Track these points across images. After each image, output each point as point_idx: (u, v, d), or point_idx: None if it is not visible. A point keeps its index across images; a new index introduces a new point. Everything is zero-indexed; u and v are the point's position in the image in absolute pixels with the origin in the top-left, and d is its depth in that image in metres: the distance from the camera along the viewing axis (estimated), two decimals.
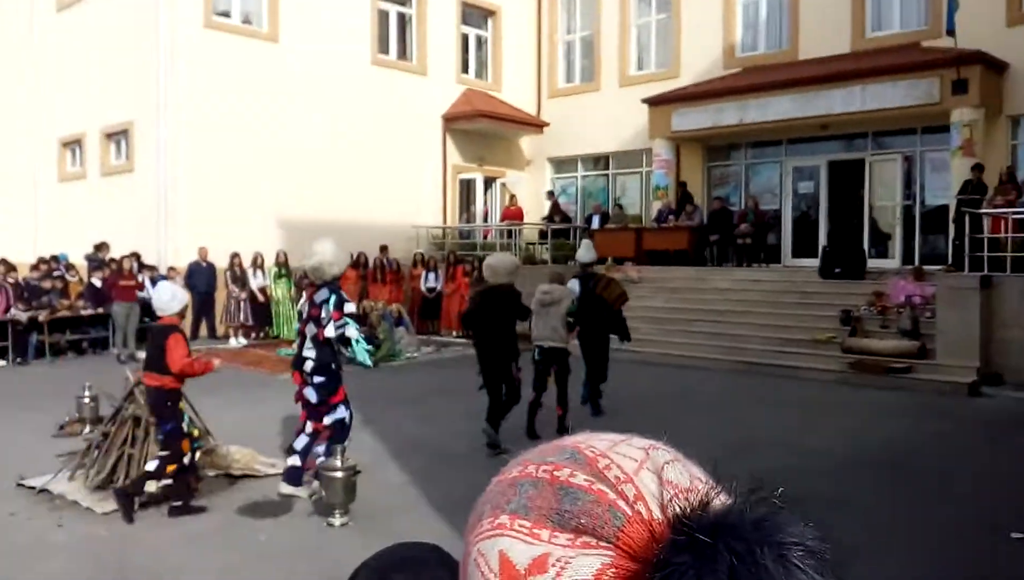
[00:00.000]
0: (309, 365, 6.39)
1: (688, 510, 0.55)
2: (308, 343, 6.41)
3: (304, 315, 6.52)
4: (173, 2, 16.23)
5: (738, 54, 19.19)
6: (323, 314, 6.35)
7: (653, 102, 18.68)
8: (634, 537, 0.55)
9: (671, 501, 0.56)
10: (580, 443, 0.63)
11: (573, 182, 22.60)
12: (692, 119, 18.03)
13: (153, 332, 6.37)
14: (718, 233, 17.39)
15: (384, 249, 17.96)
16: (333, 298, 6.41)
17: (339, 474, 5.67)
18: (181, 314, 6.29)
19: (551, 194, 21.45)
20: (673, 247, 17.56)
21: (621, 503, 0.56)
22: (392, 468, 7.23)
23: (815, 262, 15.86)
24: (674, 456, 0.62)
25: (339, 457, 5.72)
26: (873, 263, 15.62)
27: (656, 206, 18.92)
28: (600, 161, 22.15)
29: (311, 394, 6.40)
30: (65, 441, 7.86)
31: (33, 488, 6.42)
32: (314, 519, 5.87)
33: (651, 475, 0.59)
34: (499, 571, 0.56)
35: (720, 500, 0.56)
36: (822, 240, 17.08)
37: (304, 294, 6.91)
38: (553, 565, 0.55)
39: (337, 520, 5.71)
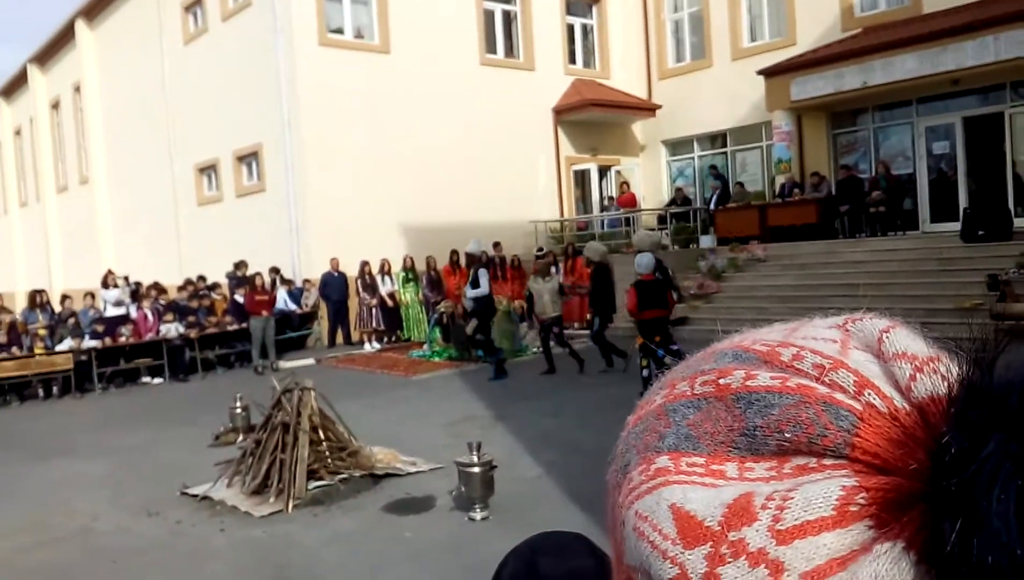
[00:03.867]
0: None
1: (967, 379, 0.37)
2: None
3: None
4: (289, 24, 16.95)
5: (857, 14, 18.31)
6: None
7: (769, 73, 18.07)
8: (877, 440, 0.37)
9: (916, 378, 0.39)
10: (740, 342, 0.46)
11: (690, 163, 22.17)
12: (812, 86, 17.32)
13: None
14: (848, 203, 16.66)
15: (497, 246, 18.15)
16: None
17: (477, 469, 5.80)
18: None
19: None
20: (800, 221, 16.93)
21: (840, 396, 0.39)
22: (526, 462, 7.33)
23: (956, 226, 14.94)
24: (889, 322, 0.44)
25: (476, 453, 5.84)
26: (1020, 222, 14.58)
27: (779, 180, 18.32)
28: (717, 139, 21.62)
29: None
30: (221, 450, 8.38)
31: (195, 496, 6.87)
32: (455, 514, 6.03)
33: (865, 354, 0.42)
34: (678, 533, 0.38)
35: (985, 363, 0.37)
36: (962, 202, 16.08)
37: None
38: (764, 507, 0.37)
39: (478, 514, 5.84)
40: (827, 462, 0.38)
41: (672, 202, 19.88)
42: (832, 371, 0.40)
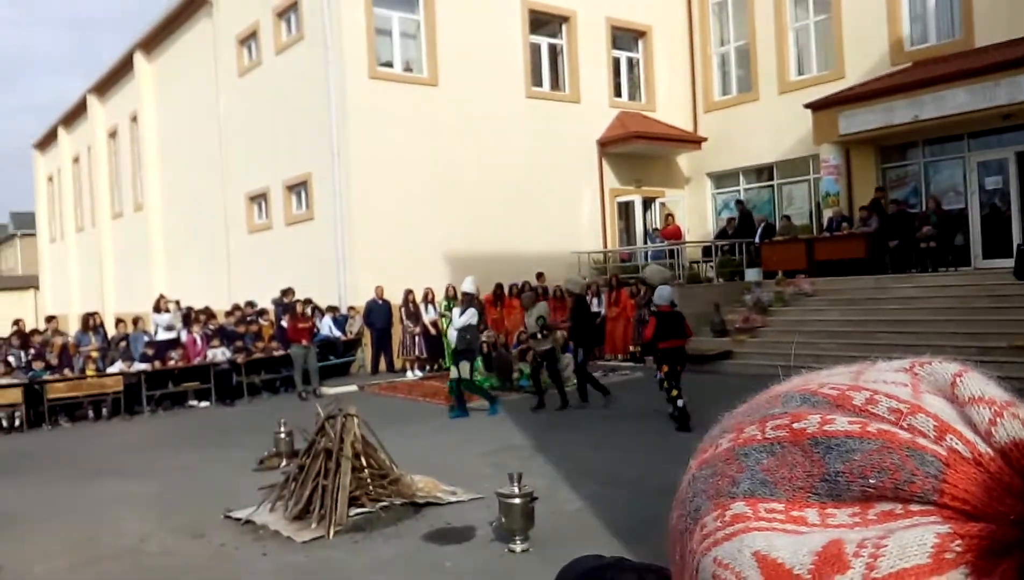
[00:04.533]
0: None
1: None
2: None
3: None
4: (340, 58, 17.33)
5: (907, 48, 18.17)
6: None
7: (817, 106, 17.97)
8: (965, 486, 0.37)
9: (996, 422, 0.39)
10: (805, 385, 0.46)
11: (735, 196, 22.06)
12: (861, 120, 17.18)
13: None
14: (898, 238, 16.42)
15: (540, 276, 18.20)
16: None
17: (517, 501, 5.79)
18: None
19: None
20: (848, 256, 16.72)
21: (923, 442, 0.39)
22: (566, 494, 7.29)
23: (1009, 262, 14.61)
24: (961, 366, 0.44)
25: (516, 484, 5.84)
26: None
27: (827, 214, 18.13)
28: (763, 172, 21.51)
29: None
30: (265, 474, 8.47)
31: (239, 520, 6.95)
32: (495, 545, 6.01)
33: (938, 398, 0.42)
34: (766, 576, 0.38)
35: None
36: (1016, 237, 15.75)
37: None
38: (856, 555, 0.36)
39: (518, 546, 5.82)
40: (914, 508, 0.37)
41: (723, 233, 19.77)
42: (910, 415, 0.40)
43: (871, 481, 0.38)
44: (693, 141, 22.00)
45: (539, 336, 12.01)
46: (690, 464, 0.48)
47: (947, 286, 14.68)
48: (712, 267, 18.85)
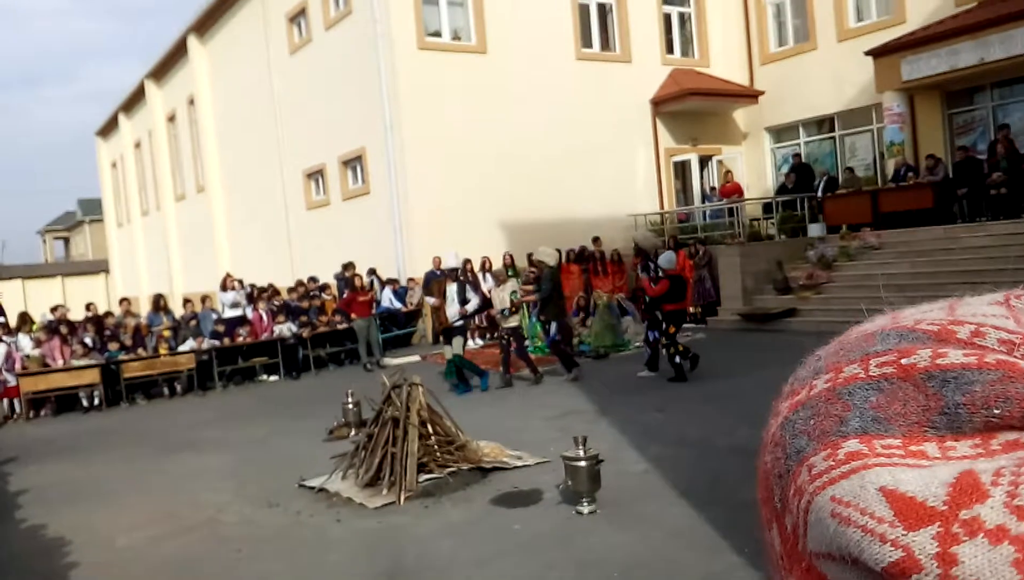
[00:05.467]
0: None
1: None
2: None
3: None
4: (389, 30, 17.34)
5: None
6: None
7: (878, 53, 17.36)
8: None
9: None
10: (898, 323, 0.46)
11: (795, 149, 21.53)
12: (925, 65, 16.56)
13: None
14: (966, 186, 15.85)
15: (596, 241, 18.09)
16: None
17: (583, 463, 5.82)
18: None
19: (796, 156, 20.08)
20: (915, 206, 16.20)
21: None
22: (631, 456, 7.30)
23: None
24: None
25: (582, 447, 5.86)
26: None
27: (891, 164, 17.59)
28: (824, 124, 20.93)
29: None
30: (334, 444, 8.67)
31: (312, 488, 7.14)
32: (562, 508, 6.06)
33: None
34: (896, 515, 0.37)
35: None
36: None
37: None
38: (995, 484, 0.36)
39: (585, 508, 5.86)
40: None
41: (782, 189, 19.34)
42: (1023, 345, 0.40)
43: (996, 411, 0.38)
44: (750, 95, 21.49)
45: (506, 313, 11.84)
46: (778, 408, 0.47)
47: (1020, 234, 14.14)
48: (773, 224, 18.49)
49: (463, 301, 11.34)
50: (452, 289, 11.50)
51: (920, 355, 0.41)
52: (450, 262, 11.74)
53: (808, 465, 0.42)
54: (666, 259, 11.15)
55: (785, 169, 20.81)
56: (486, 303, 12.14)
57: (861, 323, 0.48)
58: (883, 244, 15.59)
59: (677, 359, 10.69)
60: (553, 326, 11.55)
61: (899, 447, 0.40)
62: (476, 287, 12.48)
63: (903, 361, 0.42)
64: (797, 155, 20.15)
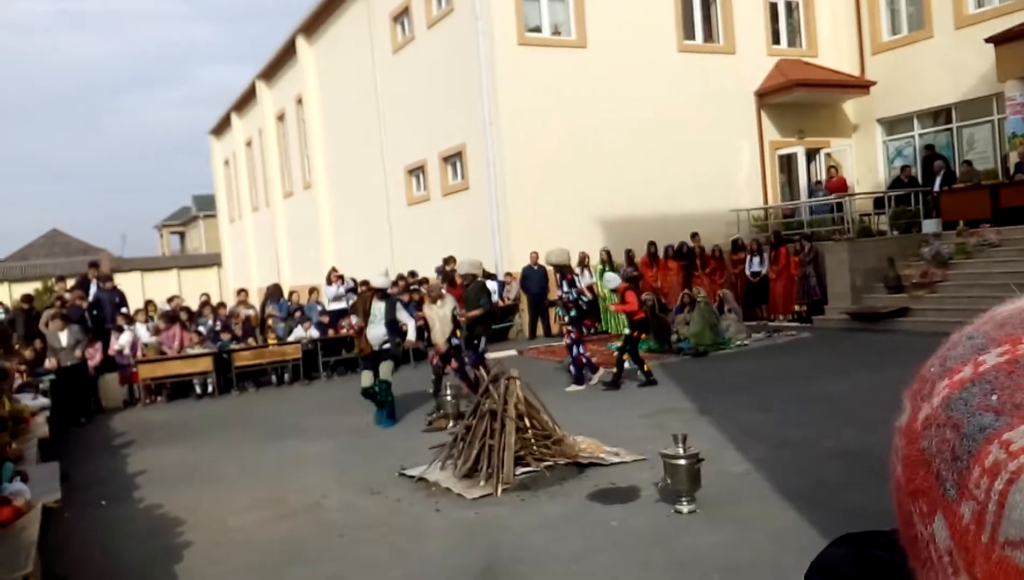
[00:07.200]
0: None
1: None
2: None
3: None
4: (490, 26, 17.47)
5: None
6: None
7: (1000, 40, 16.42)
8: None
9: None
10: None
11: (910, 142, 20.61)
12: None
13: None
14: None
15: (695, 236, 17.75)
16: None
17: (683, 462, 5.73)
18: None
19: (929, 148, 19.03)
20: None
21: None
22: (732, 456, 7.15)
23: None
24: None
25: (681, 445, 5.78)
26: None
27: (1013, 157, 16.61)
28: (940, 115, 19.95)
29: None
30: (433, 435, 8.81)
31: (412, 477, 7.28)
32: (661, 506, 5.99)
33: None
34: None
35: None
36: None
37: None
38: None
39: (685, 507, 5.77)
40: None
41: (896, 183, 18.54)
42: None
43: None
44: (860, 86, 20.67)
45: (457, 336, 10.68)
46: (922, 392, 0.44)
47: None
48: (885, 219, 17.75)
49: (391, 321, 9.97)
50: (379, 308, 9.98)
51: None
52: (379, 282, 10.28)
53: (1002, 442, 0.39)
54: (611, 280, 11.76)
55: (899, 162, 19.95)
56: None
57: (1009, 302, 0.46)
58: (1003, 241, 14.77)
59: (626, 364, 10.89)
60: (483, 341, 10.87)
61: None
62: (407, 307, 11.15)
63: None
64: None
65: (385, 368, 9.93)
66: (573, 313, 10.99)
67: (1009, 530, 0.37)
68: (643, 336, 11.31)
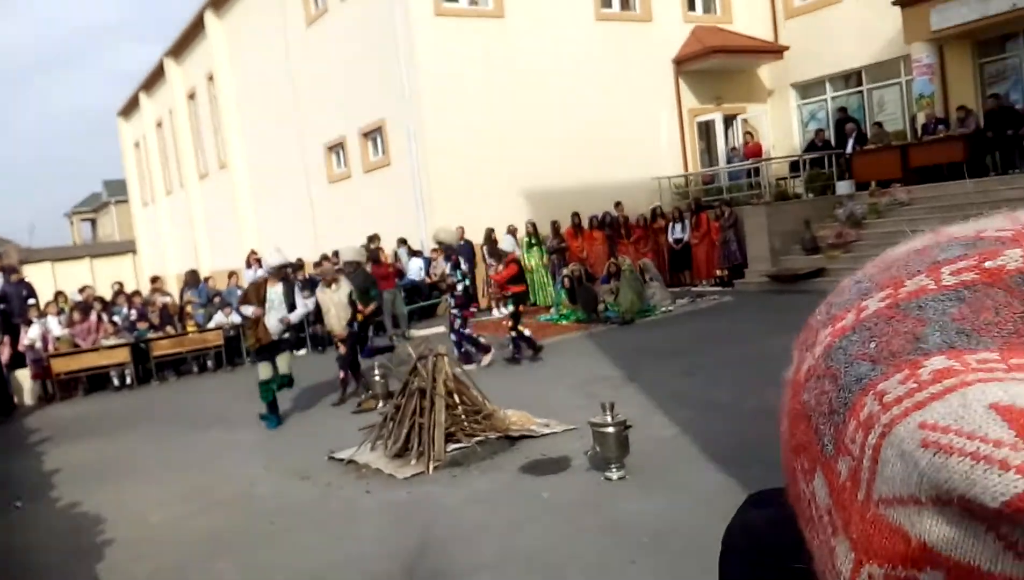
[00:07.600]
0: None
1: None
2: None
3: None
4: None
5: None
6: None
7: (906, 3, 16.89)
8: None
9: None
10: (958, 234, 0.42)
11: (823, 105, 21.11)
12: (954, 14, 16.08)
13: None
14: (999, 137, 15.44)
15: (619, 205, 17.89)
16: None
17: (611, 429, 5.77)
18: None
19: (842, 110, 19.56)
20: (946, 160, 15.83)
21: None
22: (660, 421, 7.24)
23: None
24: None
25: (609, 413, 5.81)
26: None
27: (921, 117, 17.18)
28: (851, 78, 20.48)
29: None
30: (363, 416, 8.69)
31: (342, 460, 7.17)
32: (592, 474, 6.02)
33: None
34: (1018, 434, 0.31)
35: None
36: None
37: None
38: None
39: (614, 474, 5.82)
40: None
41: (811, 146, 18.97)
42: None
43: None
44: (774, 51, 21.06)
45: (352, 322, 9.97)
46: (807, 341, 0.42)
47: None
48: (800, 183, 18.19)
49: (291, 306, 9.13)
50: (276, 292, 9.07)
51: (1009, 256, 0.36)
52: (274, 260, 9.38)
53: (877, 393, 0.36)
54: (507, 242, 11.83)
55: (813, 126, 20.43)
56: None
57: (900, 244, 0.42)
58: (913, 200, 15.29)
59: (526, 332, 10.97)
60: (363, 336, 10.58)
61: (998, 360, 0.34)
62: (303, 290, 10.44)
63: (987, 264, 0.37)
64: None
65: (284, 360, 9.09)
66: (456, 295, 10.54)
67: (882, 487, 0.34)
68: (521, 309, 11.24)
